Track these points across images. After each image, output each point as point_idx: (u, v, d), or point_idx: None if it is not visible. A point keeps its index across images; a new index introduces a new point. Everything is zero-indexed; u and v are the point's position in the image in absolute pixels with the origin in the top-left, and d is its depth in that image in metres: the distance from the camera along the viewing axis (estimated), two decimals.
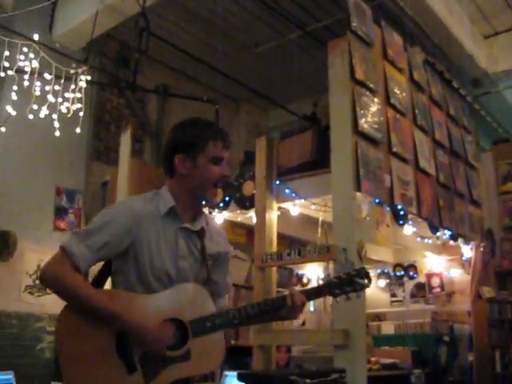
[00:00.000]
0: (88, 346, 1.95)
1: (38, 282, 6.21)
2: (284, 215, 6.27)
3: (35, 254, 6.24)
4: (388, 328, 7.73)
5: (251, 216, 6.15)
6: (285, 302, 2.15)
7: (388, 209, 5.34)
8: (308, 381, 3.93)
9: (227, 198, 6.32)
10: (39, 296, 6.24)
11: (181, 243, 2.17)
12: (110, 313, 1.98)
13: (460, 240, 6.87)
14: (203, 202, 2.30)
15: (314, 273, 8.52)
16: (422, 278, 8.25)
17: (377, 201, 5.10)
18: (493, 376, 6.64)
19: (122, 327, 1.98)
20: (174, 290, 2.08)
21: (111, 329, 1.97)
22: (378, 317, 8.21)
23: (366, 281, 2.25)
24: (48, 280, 2.03)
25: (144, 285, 2.08)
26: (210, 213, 6.09)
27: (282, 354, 6.13)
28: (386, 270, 8.44)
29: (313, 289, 2.31)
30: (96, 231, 2.05)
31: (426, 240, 7.07)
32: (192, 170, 2.16)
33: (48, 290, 2.10)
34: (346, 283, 2.23)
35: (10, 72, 5.47)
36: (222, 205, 6.30)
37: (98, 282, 2.18)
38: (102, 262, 2.20)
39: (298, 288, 2.67)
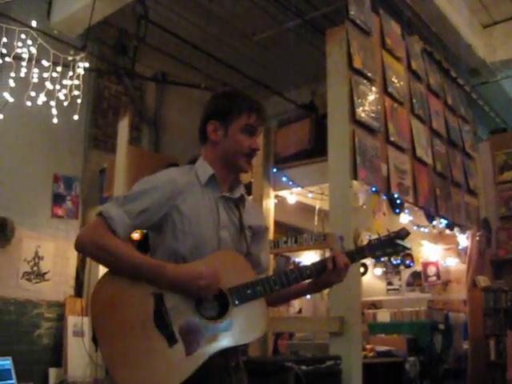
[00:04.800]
0: (125, 318, 1.88)
1: (35, 268, 6.25)
2: (281, 203, 6.30)
3: (33, 241, 6.26)
4: (384, 316, 7.75)
5: None
6: (326, 266, 2.09)
7: (384, 197, 5.37)
8: (303, 367, 3.98)
9: None
10: (37, 283, 6.27)
11: (222, 212, 2.12)
12: (155, 263, 1.95)
13: (456, 229, 6.90)
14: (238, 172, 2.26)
15: (310, 261, 8.48)
16: (418, 267, 8.28)
17: (373, 189, 5.13)
18: (487, 364, 6.69)
19: (168, 278, 1.90)
20: (210, 257, 2.01)
21: (149, 298, 1.90)
22: (374, 305, 8.25)
23: (406, 242, 2.17)
24: (85, 244, 1.97)
25: (183, 258, 2.02)
26: None
27: (284, 341, 6.18)
28: (382, 259, 8.45)
29: (355, 250, 2.23)
30: (136, 197, 2.03)
31: (422, 229, 7.11)
32: (223, 139, 2.15)
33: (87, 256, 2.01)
34: (387, 245, 2.16)
35: (7, 59, 5.44)
36: None
37: None
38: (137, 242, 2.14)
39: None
